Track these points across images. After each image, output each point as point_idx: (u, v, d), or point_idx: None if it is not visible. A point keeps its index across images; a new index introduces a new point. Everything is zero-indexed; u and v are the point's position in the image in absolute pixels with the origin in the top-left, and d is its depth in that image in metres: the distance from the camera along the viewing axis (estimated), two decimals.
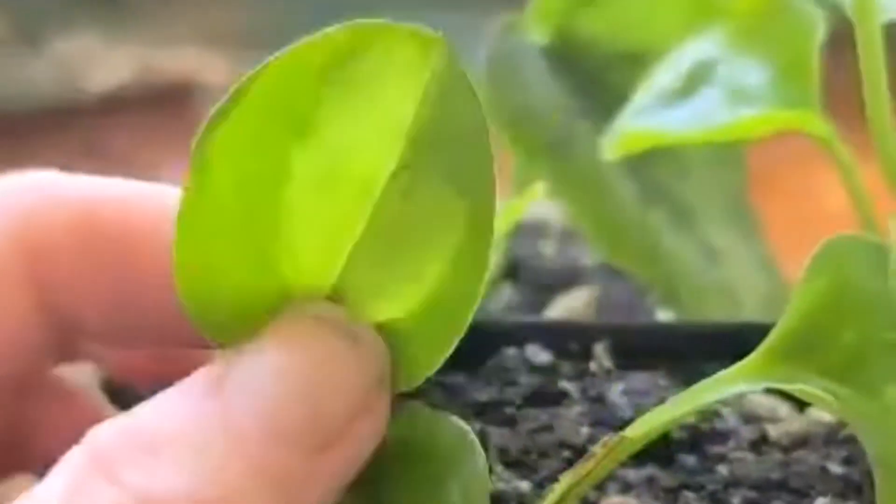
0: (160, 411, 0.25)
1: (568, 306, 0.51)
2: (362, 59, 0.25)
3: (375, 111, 0.25)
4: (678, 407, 0.27)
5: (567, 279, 0.54)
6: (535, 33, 0.46)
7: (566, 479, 0.28)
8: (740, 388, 0.28)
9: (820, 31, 0.32)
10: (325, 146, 0.25)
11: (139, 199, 0.29)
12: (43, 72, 1.00)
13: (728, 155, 0.46)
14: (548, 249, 0.56)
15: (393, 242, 0.26)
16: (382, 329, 0.27)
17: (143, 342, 0.31)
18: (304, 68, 0.25)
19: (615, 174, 0.44)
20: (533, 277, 0.54)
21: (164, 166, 0.96)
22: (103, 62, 1.00)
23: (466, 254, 0.26)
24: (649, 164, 0.44)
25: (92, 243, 0.29)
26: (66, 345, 0.30)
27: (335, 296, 0.26)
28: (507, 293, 0.53)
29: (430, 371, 0.28)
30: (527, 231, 0.56)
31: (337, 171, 0.26)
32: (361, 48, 0.25)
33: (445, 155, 0.26)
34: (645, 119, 0.34)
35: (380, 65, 0.25)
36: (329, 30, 0.25)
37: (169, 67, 1.01)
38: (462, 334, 0.27)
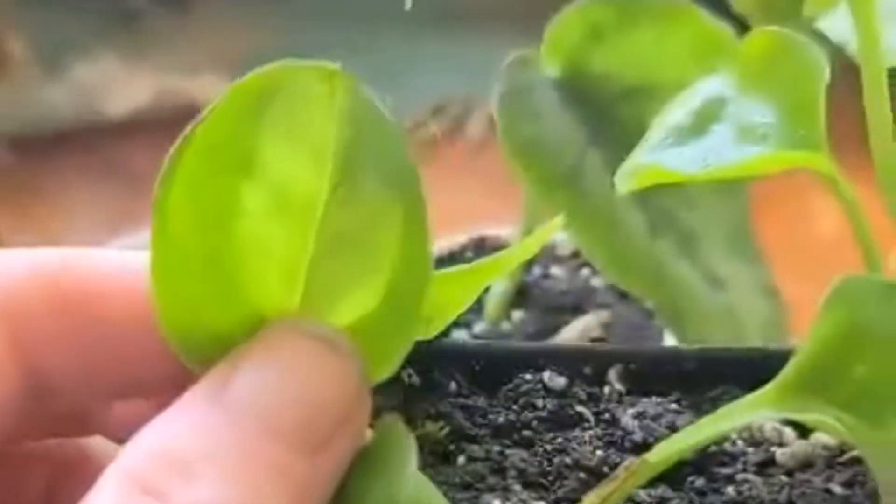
0: (177, 429, 0.26)
1: (580, 329, 0.52)
2: (283, 96, 0.27)
3: (303, 140, 0.28)
4: (697, 433, 0.28)
5: (578, 302, 0.54)
6: (548, 67, 0.46)
7: (589, 499, 0.28)
8: (757, 417, 0.29)
9: (825, 73, 0.32)
10: (268, 179, 0.28)
11: (105, 263, 0.30)
12: (63, 96, 1.00)
13: (732, 185, 0.47)
14: (559, 273, 0.56)
15: (343, 251, 0.28)
16: (347, 332, 0.28)
17: (129, 393, 0.31)
18: (238, 112, 0.27)
19: (624, 203, 0.45)
20: (545, 301, 0.54)
21: None
22: (122, 86, 1.00)
23: (409, 248, 0.28)
24: (657, 193, 0.44)
25: (66, 307, 0.29)
26: (52, 410, 0.31)
27: (303, 309, 0.28)
28: (520, 317, 0.53)
29: (393, 366, 0.29)
30: (537, 255, 0.56)
31: (282, 198, 0.28)
32: (281, 87, 0.27)
33: (371, 166, 0.28)
34: (658, 156, 0.35)
35: (298, 99, 0.27)
36: (251, 74, 0.27)
37: (185, 91, 1.01)
38: (416, 325, 0.29)
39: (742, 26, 0.56)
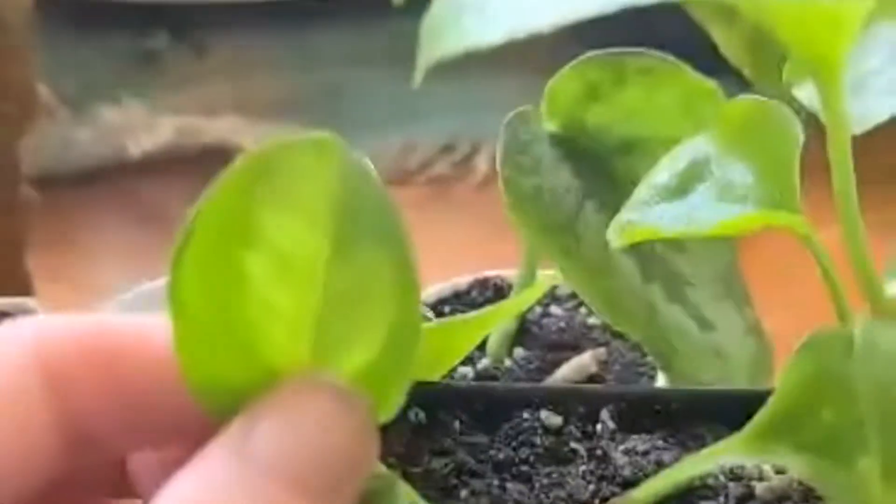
0: (199, 484, 0.27)
1: (578, 366, 0.53)
2: (280, 170, 0.28)
3: (300, 209, 0.29)
4: (678, 473, 0.30)
5: (576, 340, 0.55)
6: (547, 123, 0.47)
7: None
8: (729, 461, 0.30)
9: (799, 140, 0.34)
10: (270, 247, 0.28)
11: (138, 326, 0.31)
12: (89, 137, 1.01)
13: None
14: (558, 312, 0.57)
15: (344, 307, 0.29)
16: (352, 379, 0.29)
17: (157, 443, 0.32)
18: (239, 188, 0.28)
19: (617, 250, 0.46)
20: (545, 339, 0.55)
21: None
22: (146, 128, 1.01)
23: (402, 301, 0.29)
24: (648, 240, 0.46)
25: (101, 363, 0.30)
26: (84, 460, 0.31)
27: (312, 362, 0.29)
28: (521, 354, 0.54)
29: (393, 408, 0.30)
30: None
31: (285, 264, 0.29)
32: (277, 162, 0.28)
33: (363, 229, 0.29)
34: (645, 213, 0.36)
35: (294, 172, 0.28)
36: (248, 154, 0.29)
37: (205, 131, 1.02)
38: (412, 369, 0.30)
39: (740, 79, 0.58)
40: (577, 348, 0.54)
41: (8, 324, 0.31)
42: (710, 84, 0.46)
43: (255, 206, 0.28)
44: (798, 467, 0.29)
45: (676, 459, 0.36)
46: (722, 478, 0.37)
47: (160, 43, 1.15)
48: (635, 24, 0.55)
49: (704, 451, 0.30)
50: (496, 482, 0.37)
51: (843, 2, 0.28)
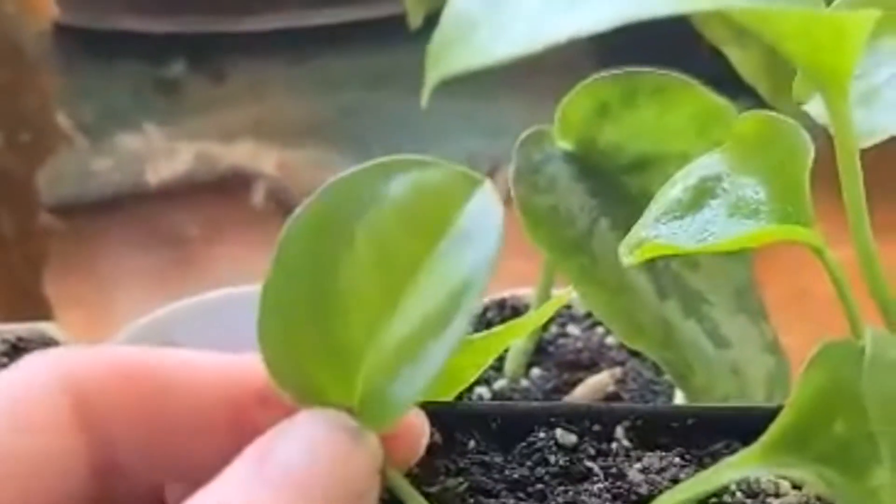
0: (220, 498, 0.29)
1: (595, 385, 0.53)
2: (402, 180, 0.30)
3: (422, 219, 0.30)
4: (690, 489, 0.29)
5: (593, 359, 0.56)
6: (561, 142, 0.47)
7: None
8: (743, 474, 0.30)
9: (810, 154, 0.34)
10: (380, 236, 0.30)
11: (173, 359, 0.32)
12: (108, 165, 1.02)
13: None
14: (575, 331, 0.57)
15: (416, 321, 0.30)
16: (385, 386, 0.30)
17: (172, 477, 0.33)
18: (375, 175, 0.30)
19: (633, 268, 0.46)
20: (561, 358, 0.55)
21: (220, 247, 0.98)
22: (165, 155, 1.02)
23: (448, 331, 0.30)
24: (663, 257, 0.45)
25: (127, 393, 0.31)
26: (115, 490, 0.32)
27: (371, 361, 0.30)
28: (538, 373, 0.54)
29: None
30: (555, 315, 0.57)
31: (386, 257, 0.30)
32: (426, 169, 0.30)
33: (457, 264, 0.30)
34: (658, 230, 0.36)
35: (435, 188, 0.30)
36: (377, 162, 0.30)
37: (223, 157, 1.02)
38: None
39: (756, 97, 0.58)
40: (593, 367, 0.55)
41: (39, 353, 0.32)
42: (723, 102, 0.46)
43: (384, 194, 0.30)
44: (811, 480, 0.28)
45: (692, 476, 0.36)
46: (739, 494, 0.37)
47: (178, 71, 1.16)
48: (659, 47, 0.55)
49: (717, 465, 0.30)
50: (511, 501, 0.36)
51: (849, 13, 0.28)
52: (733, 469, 0.29)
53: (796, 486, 0.37)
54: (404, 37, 0.62)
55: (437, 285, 0.30)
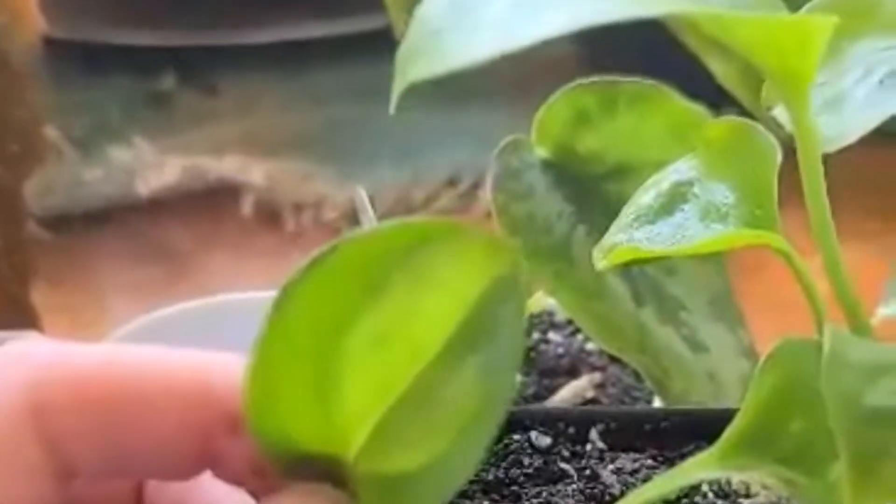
0: None
1: (575, 391, 0.53)
2: (435, 248, 0.27)
3: (437, 296, 0.27)
4: (652, 489, 0.30)
5: (573, 365, 0.56)
6: (539, 150, 0.48)
7: None
8: (702, 476, 0.30)
9: (777, 159, 0.34)
10: (389, 310, 0.27)
11: (124, 362, 0.31)
12: (98, 177, 1.02)
13: (712, 253, 0.49)
14: (555, 338, 0.58)
15: (423, 407, 0.28)
16: (394, 478, 0.28)
17: (131, 476, 0.33)
18: (382, 246, 0.27)
19: (609, 274, 0.46)
20: (543, 364, 0.56)
21: (209, 258, 0.98)
22: (155, 168, 1.02)
23: (476, 432, 0.28)
24: (640, 262, 0.46)
25: (89, 401, 0.30)
26: (85, 493, 0.32)
27: (369, 442, 0.28)
28: (520, 379, 0.54)
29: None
30: (535, 322, 0.58)
31: (398, 333, 0.27)
32: (435, 239, 0.27)
33: (484, 349, 0.28)
34: (630, 234, 0.36)
35: (451, 257, 0.27)
36: (409, 219, 0.27)
37: (213, 170, 1.03)
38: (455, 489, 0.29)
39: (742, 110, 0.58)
40: (574, 373, 0.55)
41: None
42: (701, 110, 0.47)
43: (400, 263, 0.27)
44: (771, 478, 0.29)
45: None
46: (710, 495, 0.38)
47: (168, 84, 1.16)
48: (648, 56, 0.56)
49: (676, 468, 0.30)
50: (486, 503, 0.37)
51: (808, 18, 0.28)
52: (693, 471, 0.30)
53: (767, 487, 0.38)
54: (393, 51, 0.63)
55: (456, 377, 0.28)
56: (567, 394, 0.53)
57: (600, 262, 0.37)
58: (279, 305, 0.27)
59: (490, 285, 0.27)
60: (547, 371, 0.55)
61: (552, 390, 0.54)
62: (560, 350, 0.57)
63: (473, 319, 0.27)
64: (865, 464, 0.26)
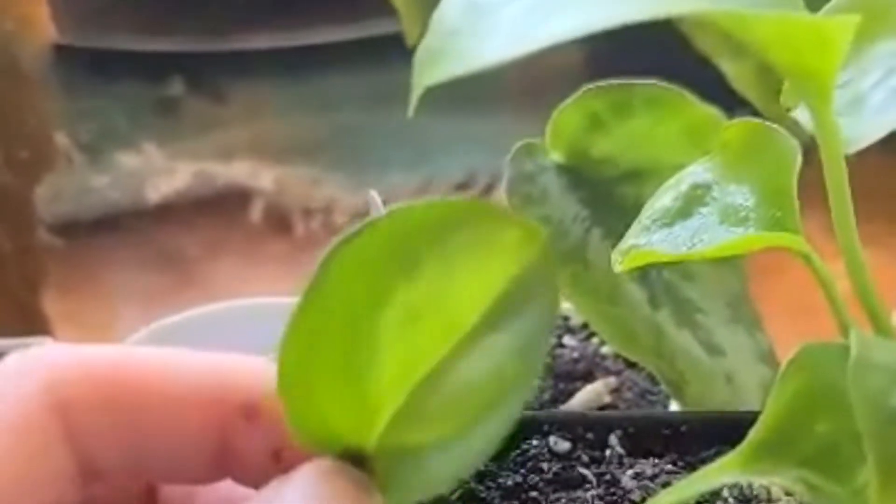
0: None
1: (591, 395, 0.53)
2: (468, 228, 0.27)
3: (470, 274, 0.28)
4: (672, 494, 0.29)
5: (589, 369, 0.56)
6: (553, 154, 0.47)
7: None
8: (724, 480, 0.30)
9: (797, 161, 0.34)
10: (423, 287, 0.27)
11: (153, 362, 0.31)
12: (107, 183, 1.02)
13: (729, 256, 0.48)
14: (571, 342, 0.58)
15: (449, 385, 0.28)
16: (414, 454, 0.28)
17: (150, 477, 0.33)
18: (416, 223, 0.27)
19: (625, 277, 0.46)
20: (559, 369, 0.56)
21: (218, 264, 0.98)
22: (164, 173, 1.02)
23: (498, 413, 0.28)
24: (656, 266, 0.46)
25: (112, 399, 0.30)
26: (103, 491, 0.32)
27: (395, 417, 0.28)
28: (536, 384, 0.54)
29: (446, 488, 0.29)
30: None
31: (429, 309, 0.28)
32: (468, 219, 0.27)
33: (514, 330, 0.28)
34: (649, 237, 0.36)
35: (484, 237, 0.27)
36: (444, 198, 0.28)
37: (221, 175, 1.03)
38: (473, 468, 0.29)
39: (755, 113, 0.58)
40: (589, 378, 0.55)
41: (20, 355, 0.31)
42: (715, 112, 0.46)
43: (431, 243, 0.27)
44: (795, 483, 0.28)
45: None
46: (731, 501, 0.37)
47: (177, 90, 1.16)
48: (660, 59, 0.55)
49: (698, 472, 0.30)
50: None
51: (830, 17, 0.28)
52: (715, 475, 0.29)
53: (789, 493, 0.37)
54: (403, 55, 0.63)
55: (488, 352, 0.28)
56: (583, 398, 0.53)
57: (618, 265, 0.37)
58: (315, 280, 0.27)
59: (522, 267, 0.28)
60: (562, 375, 0.55)
61: (568, 395, 0.54)
62: (576, 354, 0.56)
63: (505, 300, 0.28)
64: (894, 466, 0.26)
